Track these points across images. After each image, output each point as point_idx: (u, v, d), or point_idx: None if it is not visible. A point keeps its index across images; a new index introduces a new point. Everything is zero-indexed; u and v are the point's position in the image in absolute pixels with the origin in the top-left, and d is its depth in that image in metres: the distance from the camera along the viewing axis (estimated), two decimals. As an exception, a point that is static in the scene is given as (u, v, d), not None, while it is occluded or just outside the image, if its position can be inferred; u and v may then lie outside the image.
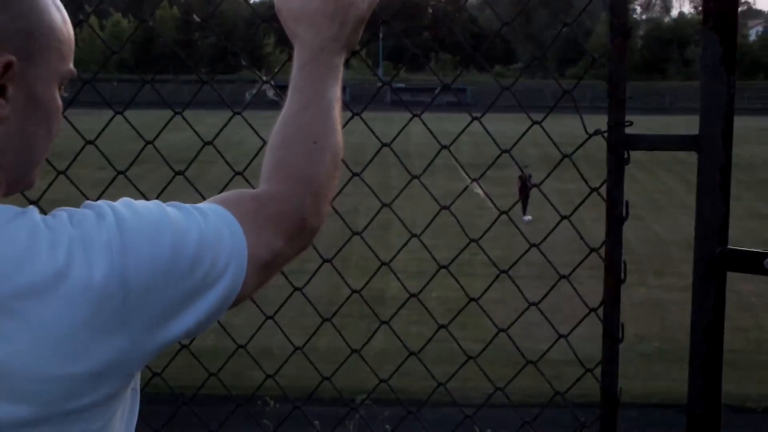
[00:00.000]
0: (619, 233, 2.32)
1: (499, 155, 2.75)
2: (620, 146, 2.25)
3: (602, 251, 2.41)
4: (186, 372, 2.93)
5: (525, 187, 23.56)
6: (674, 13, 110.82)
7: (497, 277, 2.77)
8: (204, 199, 1.57)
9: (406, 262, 2.82)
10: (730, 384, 2.18)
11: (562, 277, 2.70)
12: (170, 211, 1.41)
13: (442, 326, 2.85)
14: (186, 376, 3.06)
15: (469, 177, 2.81)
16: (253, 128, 2.74)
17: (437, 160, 2.80)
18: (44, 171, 1.48)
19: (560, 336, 2.73)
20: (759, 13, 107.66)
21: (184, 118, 2.83)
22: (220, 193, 1.62)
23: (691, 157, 2.15)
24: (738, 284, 2.71)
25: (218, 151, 2.87)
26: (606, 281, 2.36)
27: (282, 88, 1.89)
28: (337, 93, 1.70)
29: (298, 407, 2.89)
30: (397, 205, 2.89)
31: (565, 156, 2.61)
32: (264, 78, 2.73)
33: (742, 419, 11.69)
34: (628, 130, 2.25)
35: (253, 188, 1.65)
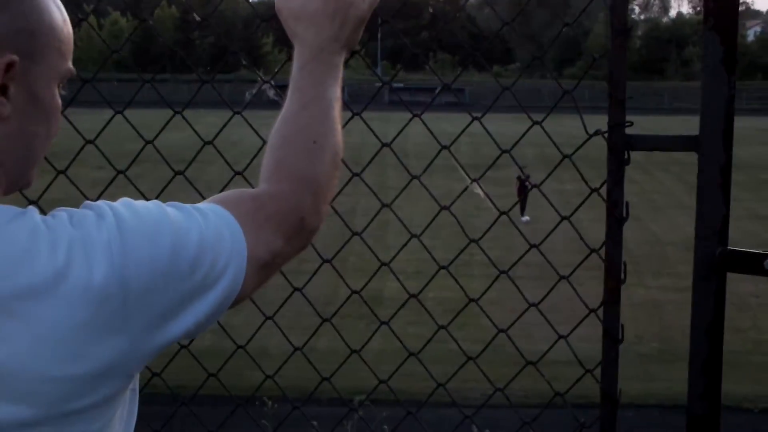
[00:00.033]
0: (620, 234, 2.32)
1: (500, 155, 2.75)
2: (621, 147, 2.25)
3: (602, 252, 2.41)
4: (184, 372, 2.93)
5: (523, 188, 23.59)
6: (672, 13, 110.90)
7: (497, 277, 2.77)
8: (203, 198, 1.57)
9: (403, 263, 2.81)
10: (727, 384, 2.18)
11: (562, 277, 2.70)
12: (170, 211, 1.40)
13: (441, 327, 2.85)
14: (184, 377, 3.06)
15: (470, 177, 2.81)
16: (253, 128, 2.74)
17: (435, 161, 2.80)
18: (43, 170, 1.48)
19: (560, 336, 2.73)
20: (757, 14, 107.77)
21: (184, 117, 2.82)
22: (219, 192, 1.61)
23: (688, 158, 2.15)
24: (735, 285, 2.72)
25: (218, 151, 2.87)
26: (606, 282, 2.35)
27: (282, 88, 1.89)
28: (337, 93, 1.70)
29: (298, 408, 2.89)
30: (395, 205, 2.89)
31: (565, 156, 2.61)
32: (264, 78, 2.72)
33: (739, 419, 11.69)
34: (628, 131, 2.25)
35: (253, 187, 1.65)
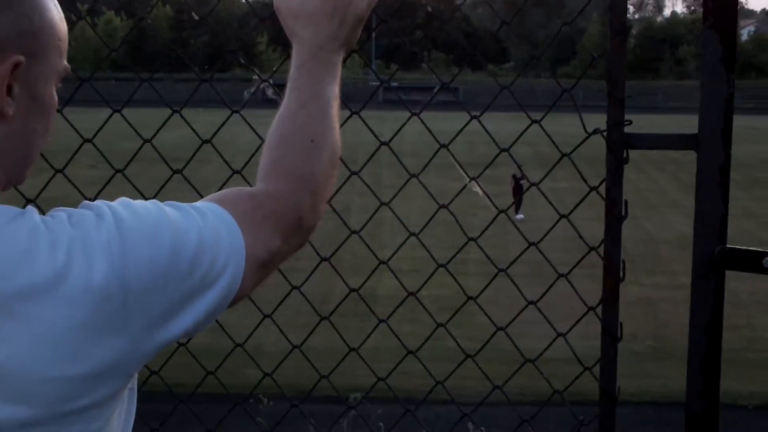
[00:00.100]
0: (619, 232, 2.32)
1: (498, 154, 2.75)
2: (620, 145, 2.26)
3: (600, 250, 2.41)
4: (180, 370, 2.93)
5: (518, 186, 23.58)
6: (667, 12, 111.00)
7: (495, 275, 2.77)
8: (200, 197, 1.57)
9: (398, 261, 2.82)
10: (722, 381, 2.19)
11: (561, 275, 2.70)
12: (169, 211, 1.41)
13: (440, 325, 2.85)
14: (180, 375, 3.06)
15: (468, 176, 2.81)
16: (251, 127, 2.74)
17: (427, 160, 2.80)
18: (40, 169, 1.48)
19: (559, 334, 2.73)
20: (751, 13, 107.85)
21: (182, 116, 2.83)
22: (212, 191, 1.61)
23: (683, 157, 2.16)
24: (730, 282, 2.72)
25: (216, 150, 2.88)
26: (605, 280, 2.36)
27: (279, 87, 1.89)
28: (335, 91, 1.70)
29: (296, 405, 2.89)
30: (393, 204, 2.90)
31: (564, 155, 2.61)
32: (262, 77, 2.72)
33: (734, 416, 11.70)
34: (626, 129, 2.25)
35: (251, 186, 1.65)
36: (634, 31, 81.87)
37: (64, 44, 1.43)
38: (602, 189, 2.37)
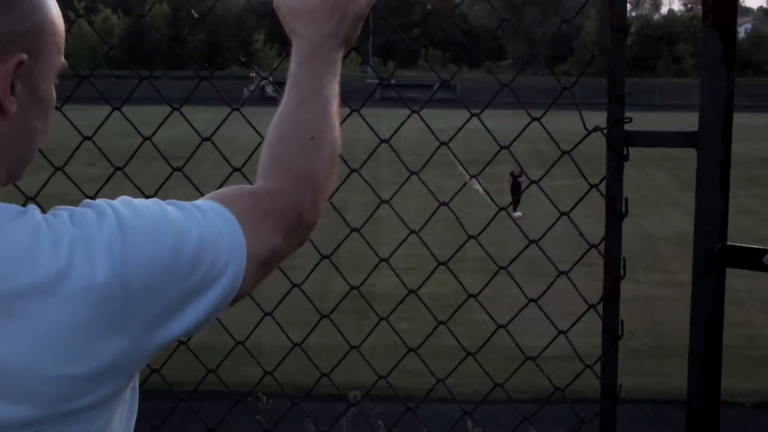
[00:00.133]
0: (619, 230, 2.32)
1: (498, 151, 2.75)
2: (620, 143, 2.25)
3: (600, 248, 2.41)
4: (179, 368, 2.93)
5: (516, 184, 23.58)
6: (664, 10, 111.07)
7: (496, 273, 2.77)
8: (201, 194, 1.57)
9: (395, 259, 2.81)
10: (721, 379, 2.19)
11: (561, 273, 2.70)
12: (170, 210, 1.40)
13: (441, 323, 2.85)
14: (179, 373, 3.06)
15: (468, 173, 2.81)
16: (251, 124, 2.74)
17: (425, 157, 2.80)
18: (38, 167, 1.48)
19: (560, 332, 2.73)
20: (748, 11, 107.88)
21: (182, 114, 2.83)
22: (210, 188, 1.61)
23: (681, 154, 2.16)
24: (728, 280, 2.72)
25: (216, 148, 2.87)
26: (605, 278, 2.36)
27: (278, 85, 1.89)
28: (335, 89, 1.70)
29: (297, 404, 2.89)
30: (390, 201, 2.89)
31: (564, 152, 2.61)
32: (262, 74, 2.72)
33: (732, 414, 11.71)
34: (626, 127, 2.25)
35: (251, 183, 1.65)
36: (631, 29, 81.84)
37: (62, 41, 1.43)
38: (602, 186, 2.37)
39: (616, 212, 2.30)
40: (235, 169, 2.73)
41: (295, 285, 2.87)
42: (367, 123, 2.74)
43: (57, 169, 2.75)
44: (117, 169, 2.78)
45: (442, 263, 2.83)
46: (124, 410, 1.43)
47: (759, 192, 27.92)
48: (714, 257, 2.16)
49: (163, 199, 1.46)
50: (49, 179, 2.71)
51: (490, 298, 2.81)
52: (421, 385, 4.57)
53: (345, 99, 1.78)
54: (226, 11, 69.46)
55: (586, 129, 2.38)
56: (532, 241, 2.76)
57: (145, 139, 2.80)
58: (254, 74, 2.86)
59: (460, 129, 2.73)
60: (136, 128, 2.85)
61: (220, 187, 1.62)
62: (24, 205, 1.34)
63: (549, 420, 2.94)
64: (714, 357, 2.21)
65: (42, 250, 1.27)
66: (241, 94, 3.16)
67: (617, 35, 2.22)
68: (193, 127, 2.85)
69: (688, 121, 2.14)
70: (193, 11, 3.13)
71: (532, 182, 2.78)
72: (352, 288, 2.89)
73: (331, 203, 1.79)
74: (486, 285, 2.80)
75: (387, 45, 73.23)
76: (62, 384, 1.28)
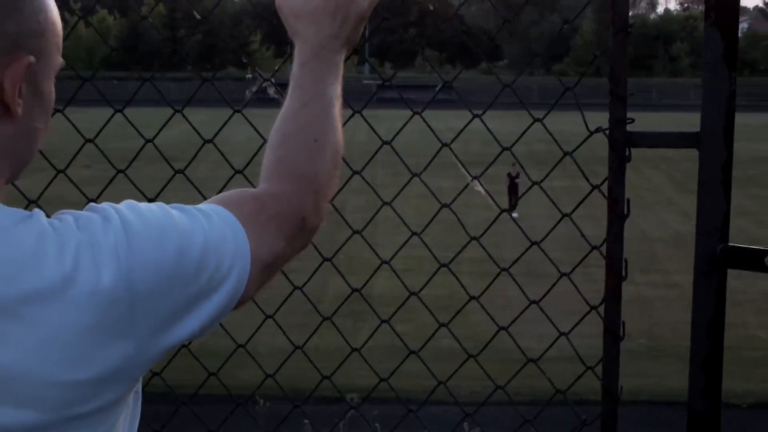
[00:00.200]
0: (621, 231, 2.33)
1: (500, 153, 2.75)
2: (622, 144, 2.25)
3: (601, 249, 2.41)
4: (178, 372, 2.92)
5: (514, 185, 23.60)
6: (660, 9, 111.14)
7: (498, 275, 2.76)
8: (202, 196, 1.57)
9: (392, 260, 2.82)
10: (717, 380, 2.19)
11: (563, 274, 2.70)
12: (174, 214, 1.40)
13: (442, 325, 2.85)
14: (179, 376, 3.05)
15: (470, 174, 2.81)
16: (253, 126, 2.73)
17: (421, 158, 2.80)
18: (33, 168, 1.47)
19: (561, 334, 2.73)
20: (744, 10, 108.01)
21: (184, 116, 2.83)
22: (208, 190, 1.61)
23: (676, 155, 2.16)
24: (725, 281, 2.73)
25: (218, 150, 2.87)
26: (607, 279, 2.36)
27: (281, 86, 1.88)
28: (337, 90, 1.70)
29: (298, 406, 2.89)
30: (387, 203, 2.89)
31: (566, 153, 2.61)
32: (264, 76, 2.72)
33: (728, 415, 11.68)
34: (628, 128, 2.25)
35: (251, 185, 1.64)
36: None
37: (61, 40, 1.44)
38: (602, 187, 2.37)
39: (618, 213, 2.30)
40: (237, 171, 2.73)
41: (296, 287, 2.87)
42: (369, 125, 2.74)
43: (59, 171, 2.75)
44: (119, 171, 2.78)
45: (444, 265, 2.82)
46: (128, 414, 1.42)
47: (756, 192, 27.92)
48: (715, 258, 2.16)
49: (161, 201, 1.45)
50: (51, 182, 2.71)
51: (486, 300, 2.80)
52: (418, 387, 4.57)
53: (346, 100, 1.78)
54: (223, 12, 69.41)
55: (588, 130, 2.38)
56: (533, 243, 2.76)
57: (147, 141, 2.80)
58: (250, 75, 2.85)
59: (462, 130, 2.73)
60: (138, 130, 2.85)
61: (220, 188, 1.62)
62: (26, 208, 1.34)
63: (547, 422, 2.93)
64: (715, 358, 2.20)
65: (48, 255, 1.26)
66: (238, 96, 3.16)
67: (619, 35, 2.22)
68: (195, 129, 2.85)
69: (685, 121, 2.14)
70: (195, 12, 3.12)
71: (534, 183, 2.78)
72: (354, 290, 2.88)
73: (333, 206, 1.79)
74: (488, 287, 2.80)
75: (382, 45, 73.24)
76: (67, 389, 1.28)
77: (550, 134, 2.67)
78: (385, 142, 2.78)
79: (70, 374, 1.27)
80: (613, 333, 2.36)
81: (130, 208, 1.38)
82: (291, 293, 2.86)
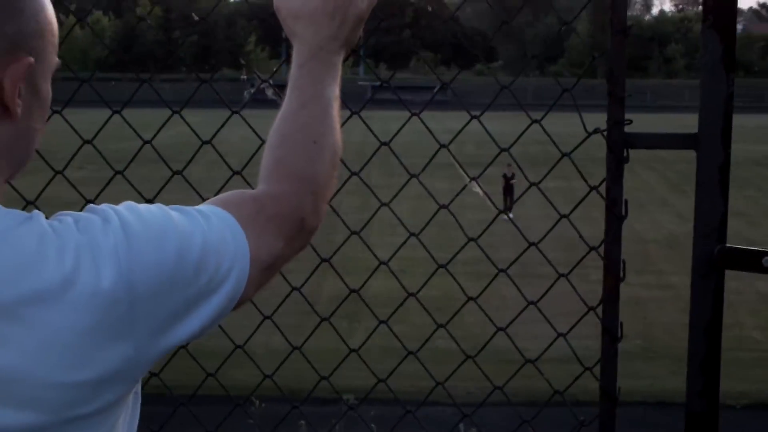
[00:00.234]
0: (619, 232, 2.33)
1: (498, 154, 2.75)
2: (620, 145, 2.26)
3: (599, 250, 2.42)
4: (174, 372, 2.92)
5: (509, 186, 23.63)
6: (655, 11, 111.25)
7: (496, 276, 2.77)
8: (201, 197, 1.57)
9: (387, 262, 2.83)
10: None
11: (561, 275, 2.70)
12: (174, 215, 1.40)
13: (440, 326, 2.85)
14: (176, 377, 3.06)
15: (468, 176, 2.81)
16: (251, 127, 2.73)
17: (419, 159, 2.80)
18: (30, 169, 1.47)
19: (559, 334, 2.73)
20: (738, 12, 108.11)
21: (182, 117, 2.83)
22: (203, 191, 1.61)
23: (669, 156, 2.17)
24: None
25: (216, 151, 2.87)
26: (605, 280, 2.36)
27: (279, 87, 1.89)
28: (335, 92, 1.70)
29: (297, 407, 2.89)
30: (377, 205, 2.89)
31: (564, 155, 2.61)
32: (262, 77, 2.72)
33: (723, 416, 11.69)
34: (627, 129, 2.26)
35: (250, 186, 1.65)
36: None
37: (57, 40, 1.44)
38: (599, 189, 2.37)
39: (616, 214, 2.31)
40: (235, 172, 2.73)
41: (294, 288, 2.87)
42: (367, 126, 2.74)
43: (57, 173, 2.75)
44: (117, 172, 2.78)
45: (442, 266, 2.83)
46: (127, 415, 1.42)
47: (750, 194, 27.96)
48: (713, 259, 2.16)
49: (157, 201, 1.46)
50: (48, 183, 2.71)
51: (480, 301, 2.81)
52: (412, 387, 4.57)
53: (343, 101, 1.79)
54: (217, 13, 69.34)
55: (586, 131, 2.38)
56: (531, 244, 2.76)
57: (146, 142, 2.80)
58: (245, 77, 2.86)
59: (461, 131, 2.73)
60: (136, 132, 2.85)
61: (215, 189, 1.62)
62: (23, 209, 1.34)
63: (544, 423, 2.94)
64: (713, 359, 2.21)
65: (48, 256, 1.26)
66: (233, 97, 3.16)
67: (618, 37, 2.22)
68: (194, 131, 2.85)
69: (681, 122, 2.15)
70: (194, 14, 3.13)
71: (531, 184, 2.78)
72: (352, 291, 2.88)
73: (332, 207, 1.79)
74: (486, 287, 2.80)
75: (376, 47, 73.22)
76: (67, 390, 1.28)
77: (548, 135, 2.68)
78: (383, 144, 2.78)
79: (70, 375, 1.27)
80: (611, 334, 2.37)
81: (129, 209, 1.38)
82: (289, 294, 2.86)
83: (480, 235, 2.80)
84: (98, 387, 1.30)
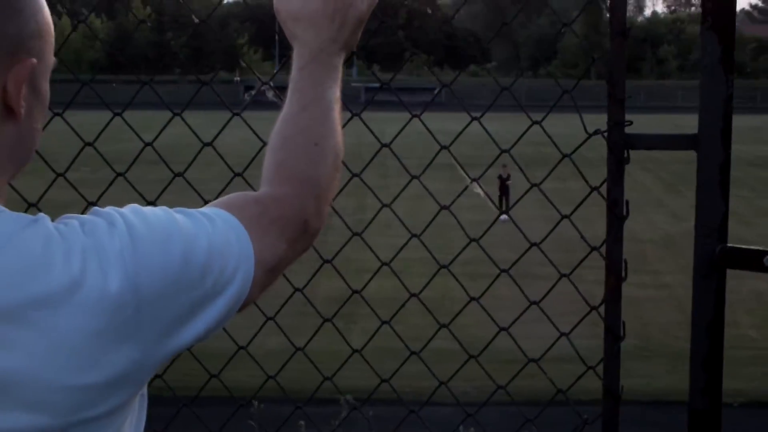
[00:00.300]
0: (620, 232, 2.34)
1: (500, 154, 2.76)
2: (620, 146, 2.26)
3: (601, 250, 2.43)
4: (175, 373, 2.92)
5: (505, 187, 23.65)
6: (647, 12, 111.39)
7: (497, 276, 2.77)
8: (203, 200, 1.57)
9: (380, 263, 2.83)
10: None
11: (563, 275, 2.70)
12: (178, 218, 1.40)
13: (442, 326, 2.85)
14: (175, 378, 3.05)
15: (469, 177, 2.82)
16: (252, 129, 2.73)
17: (413, 160, 2.80)
18: (32, 170, 1.48)
19: (562, 334, 2.74)
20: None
21: (183, 119, 2.83)
22: (203, 192, 1.61)
23: (663, 156, 2.17)
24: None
25: (218, 153, 2.87)
26: (607, 280, 2.37)
27: (280, 89, 1.89)
28: (336, 94, 1.70)
29: (300, 407, 2.89)
30: (373, 205, 2.89)
31: (564, 156, 2.62)
32: (263, 80, 2.72)
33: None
34: (627, 130, 2.26)
35: (252, 188, 1.65)
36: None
37: (53, 40, 1.44)
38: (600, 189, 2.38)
39: (617, 215, 2.31)
40: (237, 174, 2.73)
41: (297, 289, 2.87)
42: (368, 128, 2.75)
43: (59, 175, 2.76)
44: (118, 174, 2.78)
45: (444, 266, 2.83)
46: (134, 418, 1.42)
47: (743, 194, 27.98)
48: (714, 259, 2.17)
49: (152, 204, 1.45)
50: (50, 185, 2.71)
51: (474, 301, 2.81)
52: (411, 387, 4.57)
53: (345, 103, 1.79)
54: (207, 14, 69.27)
55: (586, 132, 2.39)
56: (533, 244, 2.76)
57: (146, 144, 2.80)
58: (238, 78, 2.86)
59: (461, 132, 2.73)
60: (137, 133, 2.85)
61: (211, 190, 1.62)
62: (25, 211, 1.34)
63: (544, 422, 2.94)
64: (715, 357, 2.22)
65: (55, 260, 1.26)
66: (228, 99, 3.16)
67: (617, 38, 2.23)
68: (195, 133, 2.85)
69: (675, 123, 2.15)
70: (193, 16, 3.13)
71: (532, 185, 2.79)
72: (354, 291, 2.89)
73: (333, 209, 1.79)
74: (488, 288, 2.80)
75: (367, 48, 73.22)
76: (75, 393, 1.28)
77: (549, 137, 2.68)
78: (384, 145, 2.79)
79: (77, 379, 1.27)
80: (613, 333, 2.38)
81: (134, 212, 1.38)
82: (291, 295, 2.86)
83: (482, 236, 2.81)
84: (105, 390, 1.30)
